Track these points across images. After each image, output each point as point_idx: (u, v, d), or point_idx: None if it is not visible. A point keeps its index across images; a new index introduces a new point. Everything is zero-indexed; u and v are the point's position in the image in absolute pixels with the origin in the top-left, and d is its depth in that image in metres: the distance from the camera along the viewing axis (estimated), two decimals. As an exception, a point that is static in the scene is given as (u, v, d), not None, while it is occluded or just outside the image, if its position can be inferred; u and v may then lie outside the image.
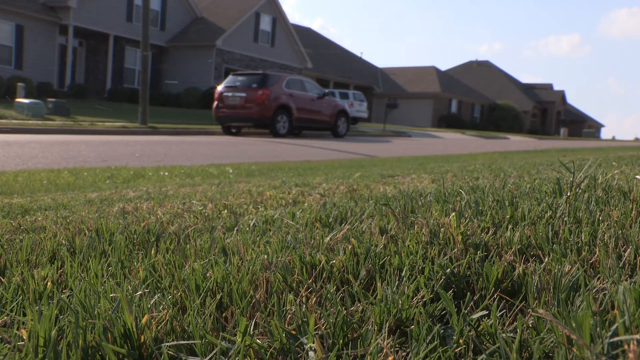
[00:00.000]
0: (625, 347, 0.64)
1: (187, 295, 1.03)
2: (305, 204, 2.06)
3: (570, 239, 1.15)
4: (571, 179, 1.73)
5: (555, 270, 0.93)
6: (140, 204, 2.40)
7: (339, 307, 0.89)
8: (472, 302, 0.90)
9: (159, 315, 0.90)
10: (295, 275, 1.08)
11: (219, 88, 17.72)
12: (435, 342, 0.77)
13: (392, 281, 0.97)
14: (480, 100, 46.97)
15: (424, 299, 0.91)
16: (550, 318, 0.71)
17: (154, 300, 0.98)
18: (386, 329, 0.82)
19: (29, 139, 11.71)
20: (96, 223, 1.81)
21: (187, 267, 1.18)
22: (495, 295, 0.93)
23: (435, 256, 1.11)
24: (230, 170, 6.31)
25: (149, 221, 1.81)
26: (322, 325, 0.84)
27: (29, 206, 2.60)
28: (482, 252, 1.11)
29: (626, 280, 0.92)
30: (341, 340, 0.81)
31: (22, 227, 1.88)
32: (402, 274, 1.03)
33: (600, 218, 1.31)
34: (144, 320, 0.85)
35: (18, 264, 1.37)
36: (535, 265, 1.02)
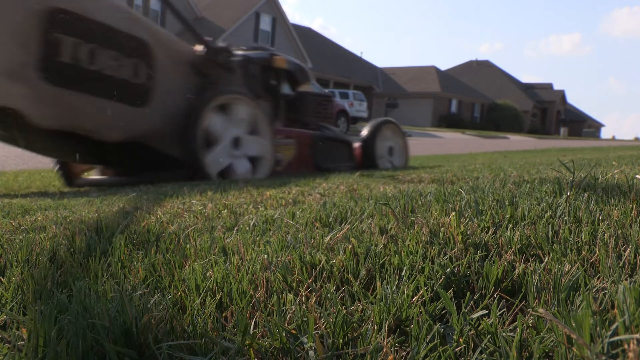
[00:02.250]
0: (625, 346, 0.64)
1: (187, 295, 1.03)
2: (305, 204, 2.06)
3: (570, 239, 1.15)
4: (571, 178, 1.73)
5: (555, 270, 0.93)
6: (141, 204, 2.40)
7: (339, 306, 0.89)
8: (472, 302, 0.90)
9: (159, 315, 0.90)
10: (295, 275, 1.08)
11: (219, 88, 17.66)
12: (436, 341, 0.77)
13: (392, 281, 0.97)
14: (480, 100, 46.98)
15: (424, 299, 0.91)
16: (550, 317, 0.71)
17: (153, 300, 0.98)
18: (386, 328, 0.82)
19: (29, 139, 11.69)
20: (96, 223, 1.81)
21: (187, 267, 1.18)
22: (495, 295, 0.93)
23: (435, 256, 1.11)
24: (230, 170, 6.29)
25: (149, 221, 1.81)
26: (322, 325, 0.84)
27: (29, 206, 2.60)
28: (482, 252, 1.11)
29: (626, 279, 0.92)
30: (341, 340, 0.81)
31: (22, 227, 1.88)
32: (402, 274, 1.03)
33: (600, 217, 1.31)
34: (144, 320, 0.85)
35: (18, 263, 1.37)
36: (535, 264, 1.02)
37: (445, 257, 1.09)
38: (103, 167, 4.18)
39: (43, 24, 2.83)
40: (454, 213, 1.32)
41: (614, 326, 0.68)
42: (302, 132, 4.64)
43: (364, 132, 5.12)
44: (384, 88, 43.74)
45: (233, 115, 3.86)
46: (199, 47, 3.83)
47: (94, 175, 4.41)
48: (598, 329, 0.68)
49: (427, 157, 9.17)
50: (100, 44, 3.06)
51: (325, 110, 5.06)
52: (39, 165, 7.15)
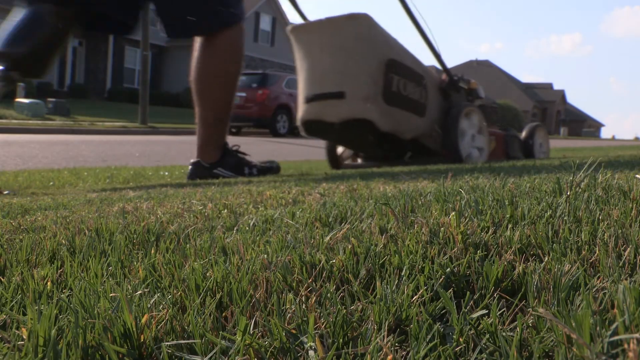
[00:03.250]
0: (625, 346, 0.64)
1: (187, 294, 1.03)
2: (305, 204, 2.06)
3: (570, 238, 1.15)
4: (571, 178, 1.73)
5: (555, 270, 0.93)
6: (140, 204, 2.41)
7: (339, 306, 0.89)
8: (472, 301, 0.90)
9: (158, 314, 0.90)
10: (295, 275, 1.08)
11: (219, 88, 17.68)
12: (435, 341, 0.77)
13: (391, 280, 0.97)
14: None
15: (424, 298, 0.91)
16: (550, 317, 0.71)
17: (153, 299, 0.98)
18: (386, 328, 0.82)
19: (29, 138, 11.72)
20: (96, 223, 1.81)
21: (187, 267, 1.18)
22: (495, 295, 0.93)
23: (435, 255, 1.11)
24: (230, 170, 6.29)
25: (149, 221, 1.81)
26: (322, 324, 0.84)
27: (29, 206, 2.60)
28: (482, 252, 1.11)
29: (626, 279, 0.92)
30: (341, 339, 0.81)
31: (22, 227, 1.88)
32: (402, 273, 1.03)
33: (600, 217, 1.31)
34: (143, 320, 0.85)
35: (18, 263, 1.38)
36: (535, 264, 1.02)
37: (445, 257, 1.09)
38: (358, 154, 6.26)
39: (384, 68, 4.88)
40: (454, 213, 1.32)
41: (613, 326, 0.68)
42: (499, 132, 6.77)
43: (525, 132, 7.28)
44: (384, 88, 43.62)
45: (469, 121, 5.85)
46: (444, 76, 5.89)
47: (349, 161, 6.30)
48: (598, 328, 0.69)
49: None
50: (407, 79, 5.10)
51: (495, 117, 7.21)
52: (39, 165, 7.16)
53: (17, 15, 3.06)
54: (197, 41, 3.83)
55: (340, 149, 6.16)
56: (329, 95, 4.79)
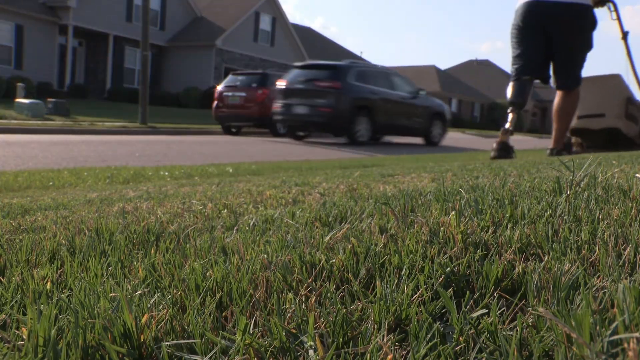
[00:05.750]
0: (625, 345, 0.64)
1: (186, 294, 1.03)
2: (305, 203, 2.06)
3: (570, 238, 1.16)
4: (571, 177, 1.73)
5: (555, 269, 0.93)
6: (140, 204, 2.41)
7: (339, 305, 0.89)
8: (472, 301, 0.90)
9: (158, 314, 0.90)
10: (295, 275, 1.08)
11: (219, 88, 17.69)
12: (435, 340, 0.77)
13: (391, 280, 0.97)
14: (480, 99, 46.90)
15: (424, 298, 0.91)
16: (550, 317, 0.71)
17: (153, 299, 0.98)
18: (386, 327, 0.82)
19: (28, 139, 11.72)
20: (96, 223, 1.81)
21: (187, 267, 1.18)
22: (495, 294, 0.93)
23: (435, 255, 1.11)
24: (230, 170, 6.30)
25: (149, 221, 1.81)
26: (322, 324, 0.84)
27: (29, 206, 2.60)
28: (481, 251, 1.11)
29: (626, 278, 0.92)
30: (341, 339, 0.81)
31: (22, 227, 1.88)
32: (402, 273, 1.03)
33: (600, 216, 1.31)
34: (143, 320, 0.85)
35: (18, 263, 1.38)
36: (535, 263, 1.02)
37: (445, 257, 1.09)
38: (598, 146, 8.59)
39: (625, 101, 8.01)
40: (453, 212, 1.32)
41: (613, 325, 0.68)
42: None
43: None
44: (384, 87, 43.54)
45: None
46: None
47: (577, 148, 8.50)
48: (598, 328, 0.69)
49: (426, 157, 9.17)
50: (634, 105, 8.08)
51: None
52: (39, 165, 7.16)
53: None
54: (560, 92, 6.62)
55: (572, 140, 8.89)
56: (594, 115, 8.23)
